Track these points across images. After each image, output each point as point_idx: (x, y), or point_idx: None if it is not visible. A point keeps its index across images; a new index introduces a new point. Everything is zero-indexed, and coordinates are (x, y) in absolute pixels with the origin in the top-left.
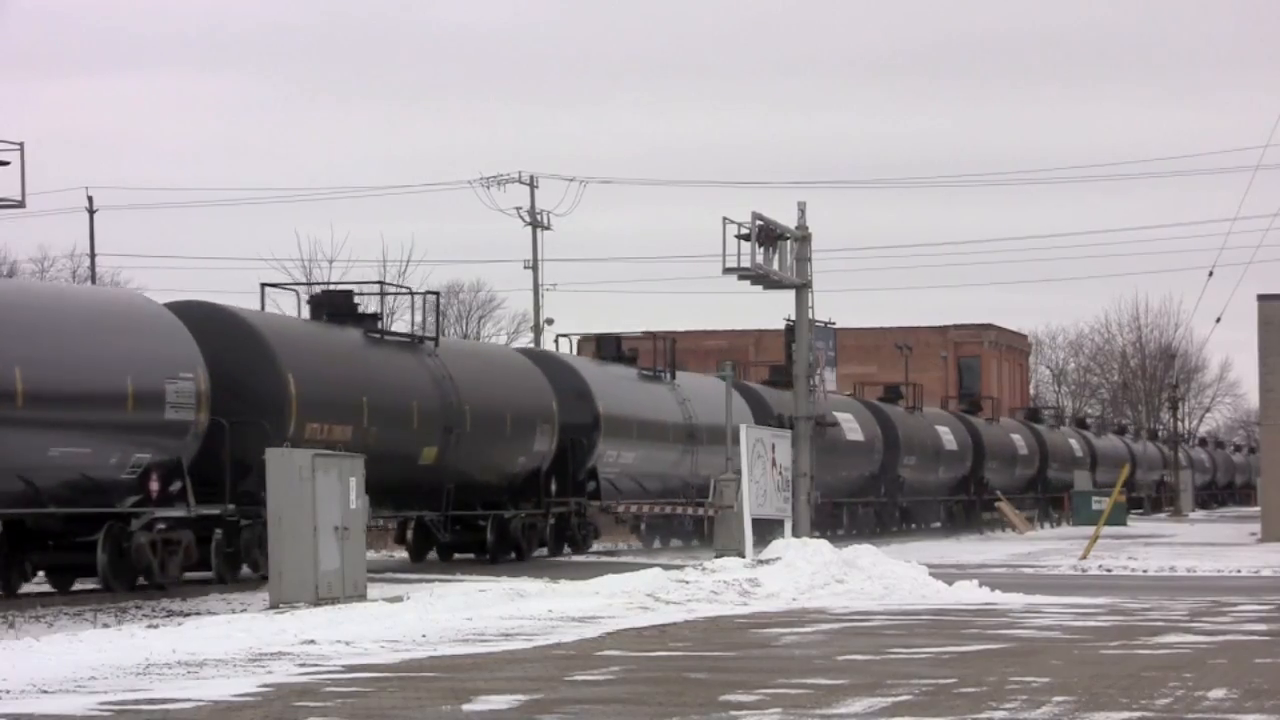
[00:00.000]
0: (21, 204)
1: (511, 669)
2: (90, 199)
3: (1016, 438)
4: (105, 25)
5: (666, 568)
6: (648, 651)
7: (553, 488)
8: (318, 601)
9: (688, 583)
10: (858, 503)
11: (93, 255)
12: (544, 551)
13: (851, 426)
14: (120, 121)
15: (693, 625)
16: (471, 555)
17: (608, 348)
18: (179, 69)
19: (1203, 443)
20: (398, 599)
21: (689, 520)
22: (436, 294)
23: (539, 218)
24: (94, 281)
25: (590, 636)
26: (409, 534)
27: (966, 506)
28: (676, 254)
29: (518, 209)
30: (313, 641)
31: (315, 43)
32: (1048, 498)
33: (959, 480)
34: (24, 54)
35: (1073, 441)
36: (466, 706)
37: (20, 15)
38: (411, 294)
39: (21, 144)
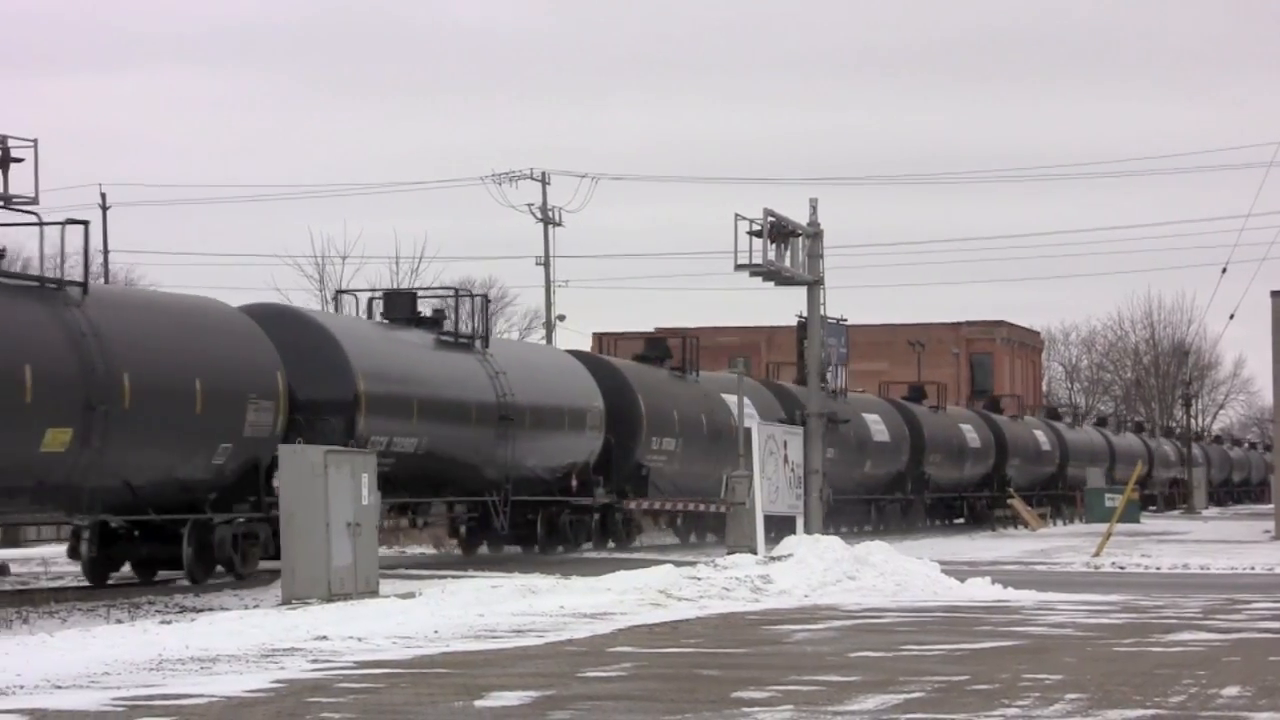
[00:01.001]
0: (34, 201)
1: (523, 665)
2: (103, 196)
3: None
4: (113, 23)
5: (679, 564)
6: (660, 648)
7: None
8: (330, 598)
9: (700, 579)
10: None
11: (106, 252)
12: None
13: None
14: (129, 119)
15: (705, 622)
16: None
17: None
18: (186, 66)
19: (1217, 440)
20: (410, 595)
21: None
22: (486, 297)
23: (550, 214)
24: (107, 280)
25: (602, 633)
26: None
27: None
28: (687, 250)
29: (529, 205)
30: (325, 637)
31: (324, 39)
32: (1067, 495)
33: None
34: (32, 52)
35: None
36: (479, 703)
37: (28, 14)
38: (457, 295)
39: (35, 140)
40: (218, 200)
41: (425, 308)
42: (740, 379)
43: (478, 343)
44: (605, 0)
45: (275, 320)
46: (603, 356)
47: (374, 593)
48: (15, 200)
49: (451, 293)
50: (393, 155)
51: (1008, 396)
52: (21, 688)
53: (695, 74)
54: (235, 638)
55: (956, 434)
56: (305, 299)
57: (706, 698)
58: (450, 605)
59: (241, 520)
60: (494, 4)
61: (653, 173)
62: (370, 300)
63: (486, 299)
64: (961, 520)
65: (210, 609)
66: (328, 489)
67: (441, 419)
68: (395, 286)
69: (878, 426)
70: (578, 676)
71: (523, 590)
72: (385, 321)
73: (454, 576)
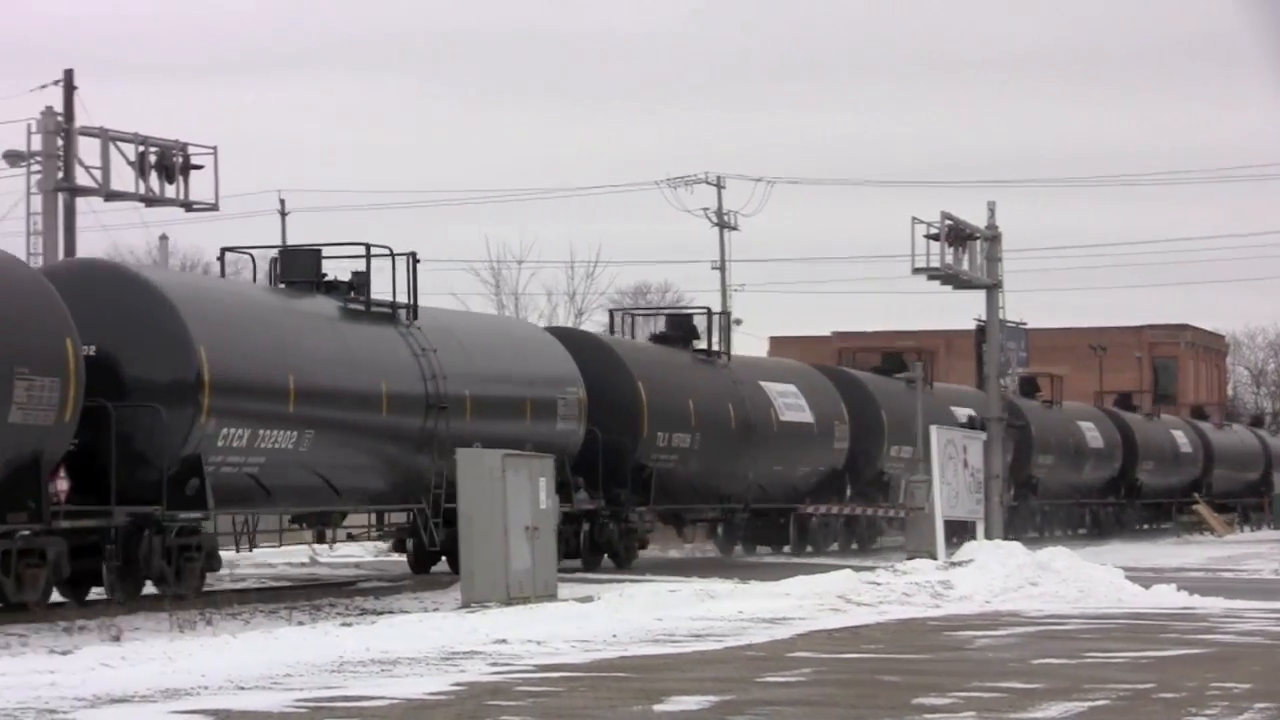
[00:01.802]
0: (215, 207)
1: (702, 669)
2: (282, 202)
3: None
4: (290, 31)
5: (858, 569)
6: (839, 653)
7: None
8: (509, 601)
9: (879, 584)
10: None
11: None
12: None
13: (1093, 435)
14: (307, 125)
15: (884, 627)
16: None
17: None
18: (362, 73)
19: None
20: (588, 599)
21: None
22: (414, 255)
23: (726, 218)
24: None
25: (781, 638)
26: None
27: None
28: (864, 254)
29: (705, 210)
30: (504, 641)
31: (497, 46)
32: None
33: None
34: (214, 60)
35: None
36: (658, 707)
37: (204, 24)
38: (368, 251)
39: (215, 147)
40: (392, 205)
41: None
42: (919, 384)
43: (402, 313)
44: (781, 6)
45: (85, 278)
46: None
47: (552, 596)
48: (195, 206)
49: (363, 250)
50: (570, 161)
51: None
52: (206, 688)
53: (873, 79)
54: (415, 640)
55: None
56: (481, 304)
57: (887, 704)
58: (628, 609)
59: (21, 535)
60: (668, 10)
61: (828, 176)
62: (273, 263)
63: (414, 257)
64: (1169, 525)
65: (390, 612)
66: (506, 493)
67: (331, 409)
68: (294, 245)
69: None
70: (756, 681)
71: (701, 594)
72: (281, 287)
73: (632, 580)
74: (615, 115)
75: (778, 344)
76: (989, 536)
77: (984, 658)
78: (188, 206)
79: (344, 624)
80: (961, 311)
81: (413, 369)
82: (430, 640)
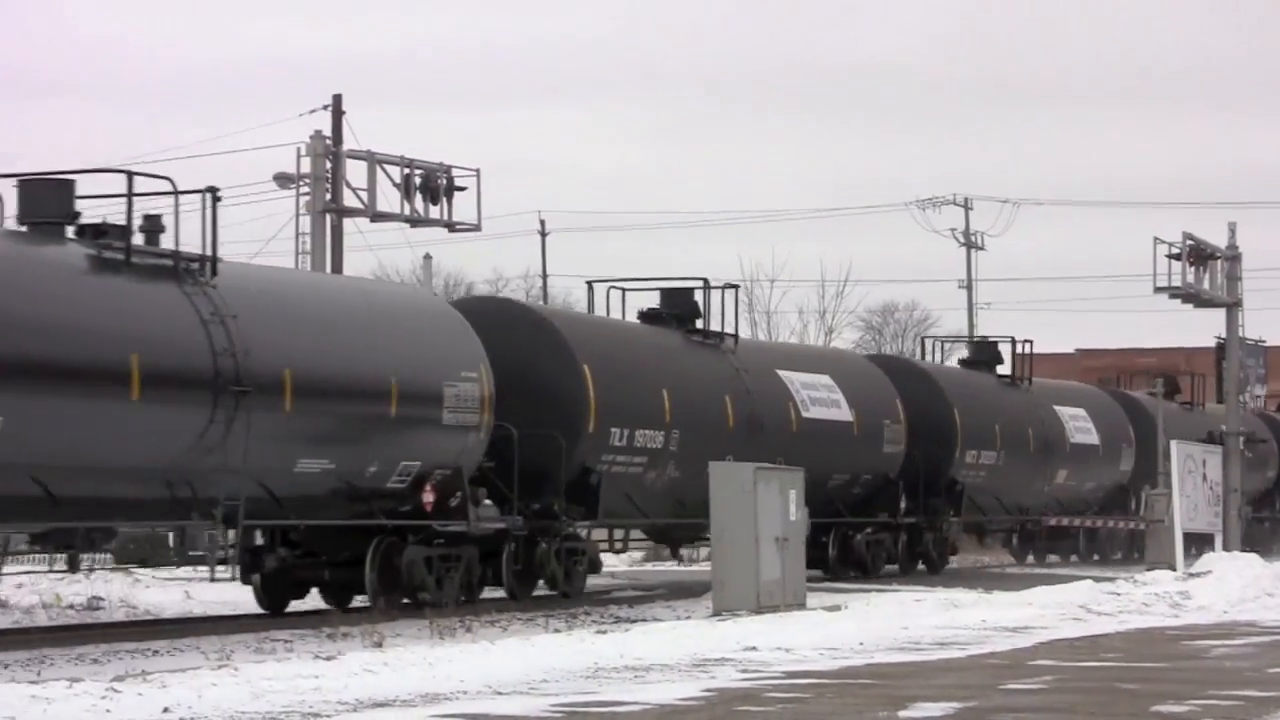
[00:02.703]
0: (477, 227)
1: (946, 677)
2: (542, 222)
3: None
4: (550, 61)
5: (1098, 580)
6: (1079, 661)
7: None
8: (758, 609)
9: (1119, 595)
10: None
11: (544, 276)
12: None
13: None
14: (563, 149)
15: (1124, 636)
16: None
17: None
18: (614, 101)
19: None
20: (835, 608)
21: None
22: (214, 191)
23: (973, 238)
24: (545, 300)
25: (1023, 646)
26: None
27: None
28: (1106, 273)
29: (952, 230)
30: (754, 648)
31: (753, 75)
32: None
33: None
34: (475, 90)
35: None
36: (902, 713)
37: (471, 54)
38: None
39: (478, 170)
40: (648, 226)
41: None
42: (1159, 399)
43: (195, 267)
44: (1012, 34)
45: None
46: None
47: (801, 605)
48: (458, 226)
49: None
50: (820, 183)
51: None
52: (465, 693)
53: (1113, 103)
54: (667, 647)
55: None
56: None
57: (1126, 711)
58: (874, 618)
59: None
60: (911, 36)
61: (1071, 198)
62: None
63: (214, 193)
64: None
65: (644, 620)
66: (757, 505)
67: (44, 392)
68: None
69: None
70: (999, 688)
71: (945, 604)
72: (21, 230)
73: (877, 590)
74: (866, 140)
75: (1022, 360)
76: (1226, 549)
77: (1221, 666)
78: (451, 227)
79: (599, 631)
80: (1197, 329)
81: (194, 338)
82: (682, 647)
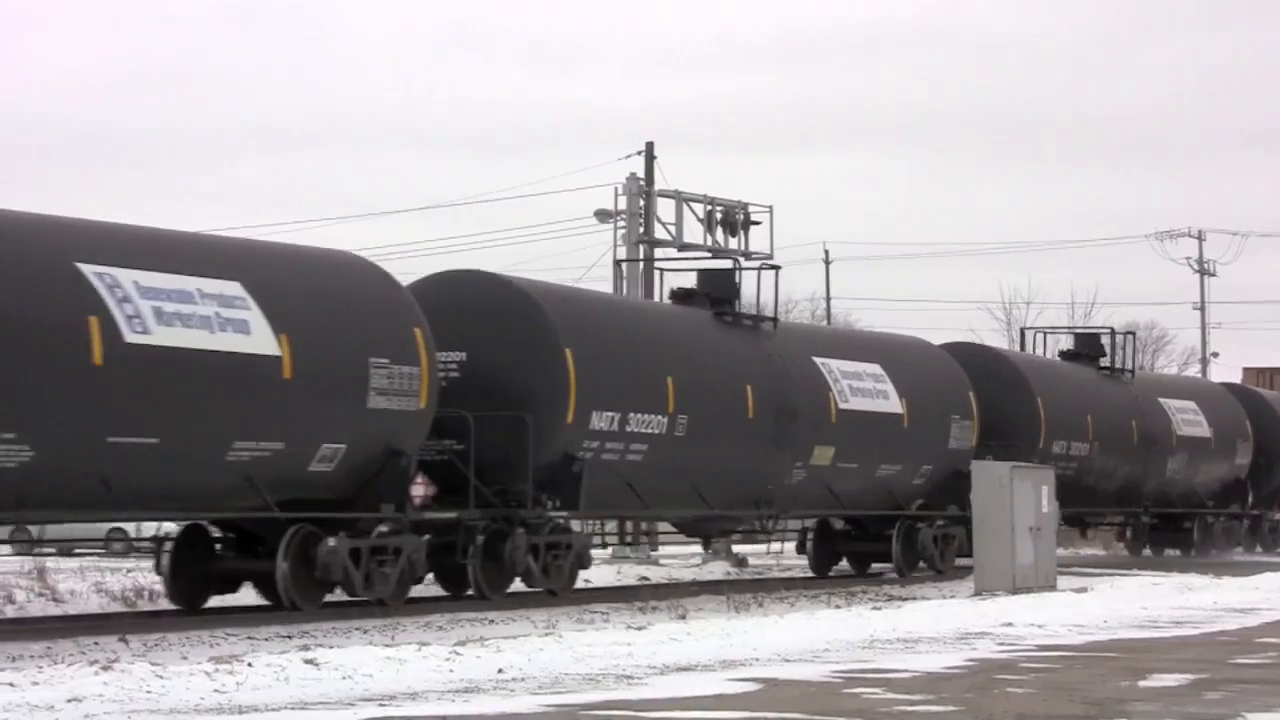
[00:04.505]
0: (770, 257)
1: (1181, 652)
2: (826, 252)
3: None
4: (825, 112)
5: None
6: None
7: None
8: (1014, 590)
9: None
10: None
11: (828, 299)
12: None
13: None
14: (835, 189)
15: None
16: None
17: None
18: (890, 144)
19: None
20: (1083, 590)
21: None
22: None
23: (1205, 266)
24: (829, 319)
25: (1250, 625)
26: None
27: None
28: None
29: (1187, 259)
30: (1010, 624)
31: (1009, 121)
32: None
33: None
34: (767, 135)
35: None
36: (1142, 683)
37: (759, 105)
38: None
39: (770, 206)
40: (918, 255)
41: None
42: None
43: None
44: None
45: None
46: (1257, 391)
47: (1052, 587)
48: (754, 256)
49: None
50: (1072, 216)
51: None
52: (757, 660)
53: None
54: (934, 623)
55: None
56: (995, 338)
57: None
58: (1117, 599)
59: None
60: (1136, 98)
61: None
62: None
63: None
64: None
65: (913, 598)
66: (1013, 498)
67: None
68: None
69: None
70: (1229, 663)
71: (1181, 587)
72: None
73: (1120, 575)
74: (1112, 178)
75: (1250, 374)
76: None
77: None
78: (747, 256)
79: (874, 608)
80: None
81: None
82: (947, 623)
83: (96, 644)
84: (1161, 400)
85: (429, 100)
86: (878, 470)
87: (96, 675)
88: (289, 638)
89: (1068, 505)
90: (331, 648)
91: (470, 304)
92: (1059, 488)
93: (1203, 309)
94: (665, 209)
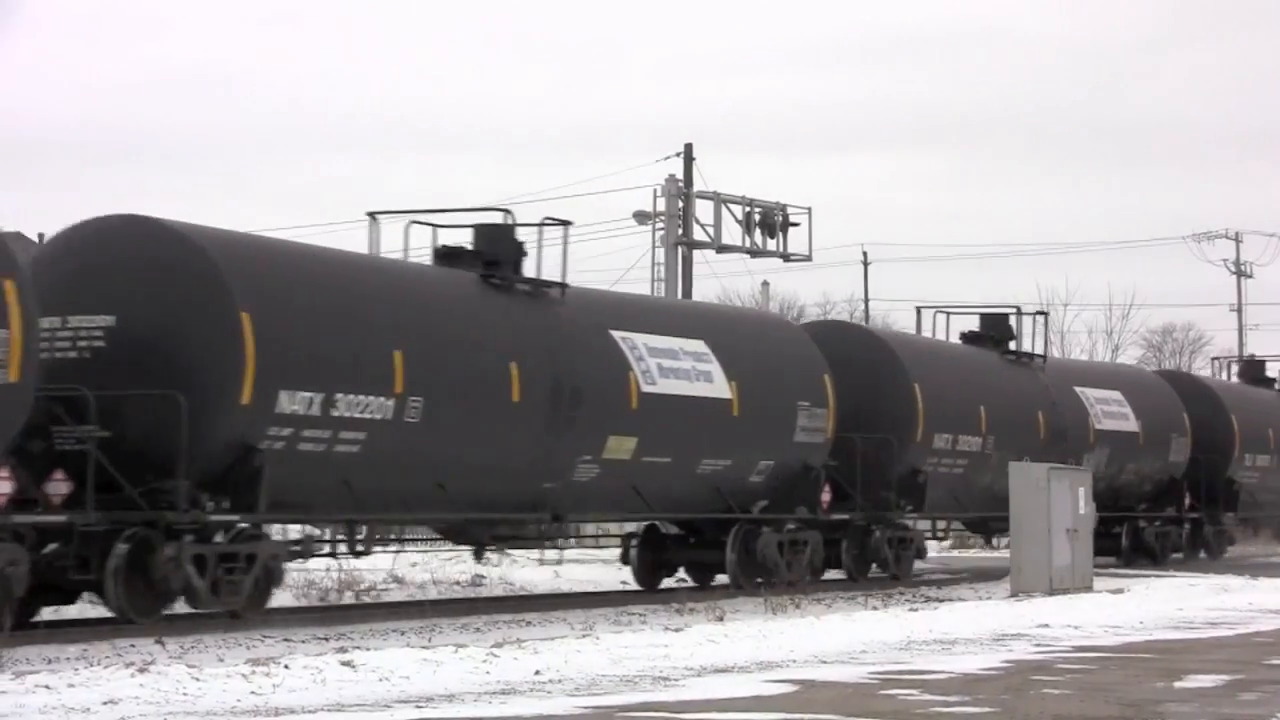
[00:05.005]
0: (809, 258)
1: (1216, 653)
2: (865, 254)
3: None
4: (864, 114)
5: None
6: None
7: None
8: (1051, 592)
9: None
10: None
11: (866, 300)
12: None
13: None
14: (874, 191)
15: None
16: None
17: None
18: (928, 146)
19: None
20: (1119, 591)
21: None
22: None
23: (1243, 268)
24: (867, 321)
25: None
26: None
27: None
28: None
29: (1224, 260)
30: (1046, 625)
31: (1054, 126)
32: None
33: None
34: (806, 139)
35: None
36: (1177, 684)
37: (801, 107)
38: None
39: (809, 208)
40: (954, 257)
41: None
42: None
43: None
44: (1274, 81)
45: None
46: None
47: (1088, 589)
48: (793, 257)
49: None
50: (1108, 218)
51: None
52: (794, 661)
53: None
54: (971, 624)
55: None
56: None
57: None
58: (1152, 600)
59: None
60: (1179, 101)
61: None
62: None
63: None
64: None
65: (950, 600)
66: (1050, 500)
67: None
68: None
69: None
70: (1264, 664)
71: (1216, 589)
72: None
73: (1156, 576)
74: (1148, 179)
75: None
76: None
77: None
78: (786, 258)
79: (911, 609)
80: None
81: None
82: (983, 624)
83: (133, 646)
84: (1078, 390)
85: (471, 104)
86: (698, 466)
87: (132, 677)
88: (325, 639)
89: (1251, 509)
90: (368, 649)
91: (121, 257)
92: (1245, 493)
93: (1240, 310)
94: (704, 210)
